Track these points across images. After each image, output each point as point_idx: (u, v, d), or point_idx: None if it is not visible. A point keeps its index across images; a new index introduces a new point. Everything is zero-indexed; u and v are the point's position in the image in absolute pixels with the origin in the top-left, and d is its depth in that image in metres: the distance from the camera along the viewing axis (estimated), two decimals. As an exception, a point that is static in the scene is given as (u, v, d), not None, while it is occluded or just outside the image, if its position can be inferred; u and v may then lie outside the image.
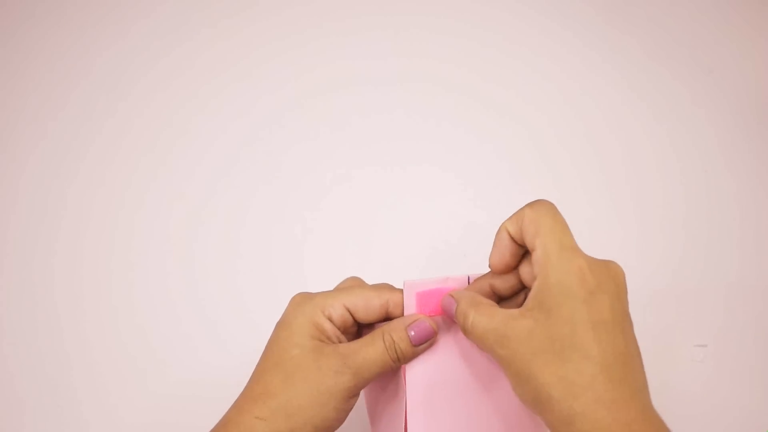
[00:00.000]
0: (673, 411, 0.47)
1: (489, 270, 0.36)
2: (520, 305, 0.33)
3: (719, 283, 0.50)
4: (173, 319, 0.50)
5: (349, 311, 0.35)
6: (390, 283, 0.38)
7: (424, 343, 0.35)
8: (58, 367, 0.48)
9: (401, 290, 0.36)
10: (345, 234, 0.52)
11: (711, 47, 0.57)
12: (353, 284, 0.38)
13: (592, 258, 0.31)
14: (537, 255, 0.31)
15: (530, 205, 0.33)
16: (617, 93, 0.55)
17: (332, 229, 0.52)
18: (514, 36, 0.57)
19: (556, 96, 0.56)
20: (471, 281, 0.36)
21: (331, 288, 0.38)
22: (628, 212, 0.52)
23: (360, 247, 0.51)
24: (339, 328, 0.35)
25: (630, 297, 0.49)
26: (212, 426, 0.34)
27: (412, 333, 0.34)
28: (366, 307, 0.35)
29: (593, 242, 0.50)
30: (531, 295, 0.31)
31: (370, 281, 0.38)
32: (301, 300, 0.36)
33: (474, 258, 0.51)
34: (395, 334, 0.34)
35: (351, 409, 0.35)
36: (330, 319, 0.35)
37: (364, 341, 0.35)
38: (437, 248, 0.51)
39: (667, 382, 0.47)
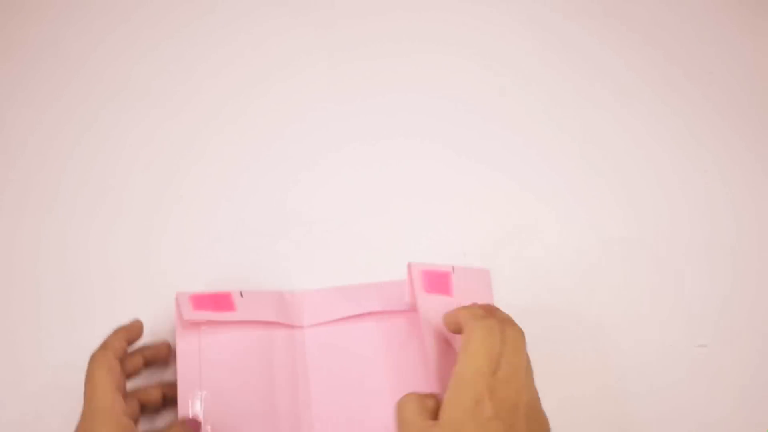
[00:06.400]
0: (673, 411, 0.47)
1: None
2: None
3: (720, 283, 0.50)
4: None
5: None
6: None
7: None
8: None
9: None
10: (340, 232, 0.52)
11: (711, 49, 0.57)
12: None
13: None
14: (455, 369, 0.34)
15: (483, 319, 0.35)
16: (616, 94, 0.56)
17: (329, 227, 0.52)
18: (511, 37, 0.58)
19: (552, 96, 0.56)
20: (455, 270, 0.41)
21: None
22: (628, 212, 0.52)
23: (361, 245, 0.52)
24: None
25: (631, 297, 0.49)
26: None
27: None
28: None
29: (591, 242, 0.51)
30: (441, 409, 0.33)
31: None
32: None
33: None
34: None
35: None
36: None
37: None
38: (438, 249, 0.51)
39: (667, 382, 0.47)
